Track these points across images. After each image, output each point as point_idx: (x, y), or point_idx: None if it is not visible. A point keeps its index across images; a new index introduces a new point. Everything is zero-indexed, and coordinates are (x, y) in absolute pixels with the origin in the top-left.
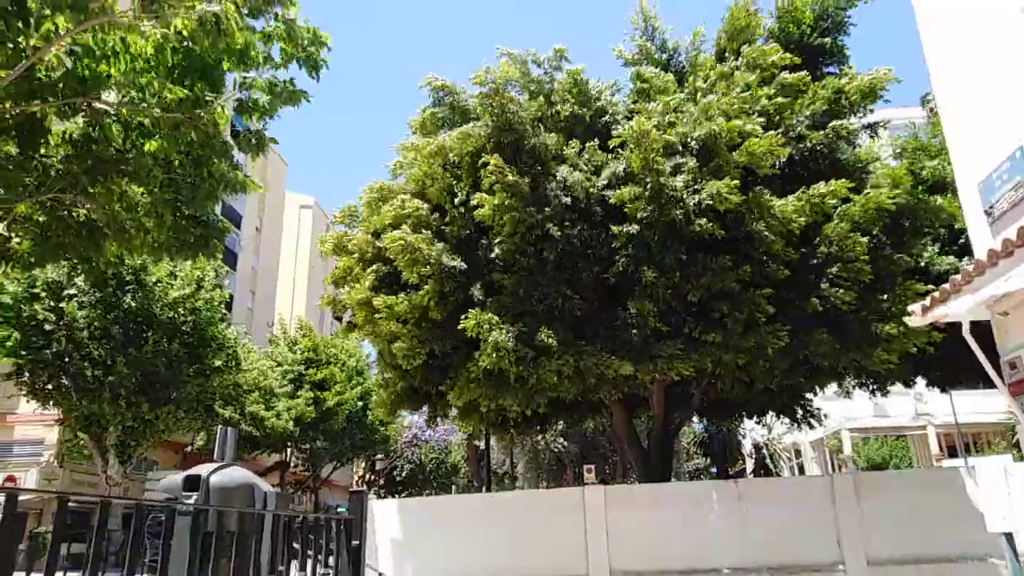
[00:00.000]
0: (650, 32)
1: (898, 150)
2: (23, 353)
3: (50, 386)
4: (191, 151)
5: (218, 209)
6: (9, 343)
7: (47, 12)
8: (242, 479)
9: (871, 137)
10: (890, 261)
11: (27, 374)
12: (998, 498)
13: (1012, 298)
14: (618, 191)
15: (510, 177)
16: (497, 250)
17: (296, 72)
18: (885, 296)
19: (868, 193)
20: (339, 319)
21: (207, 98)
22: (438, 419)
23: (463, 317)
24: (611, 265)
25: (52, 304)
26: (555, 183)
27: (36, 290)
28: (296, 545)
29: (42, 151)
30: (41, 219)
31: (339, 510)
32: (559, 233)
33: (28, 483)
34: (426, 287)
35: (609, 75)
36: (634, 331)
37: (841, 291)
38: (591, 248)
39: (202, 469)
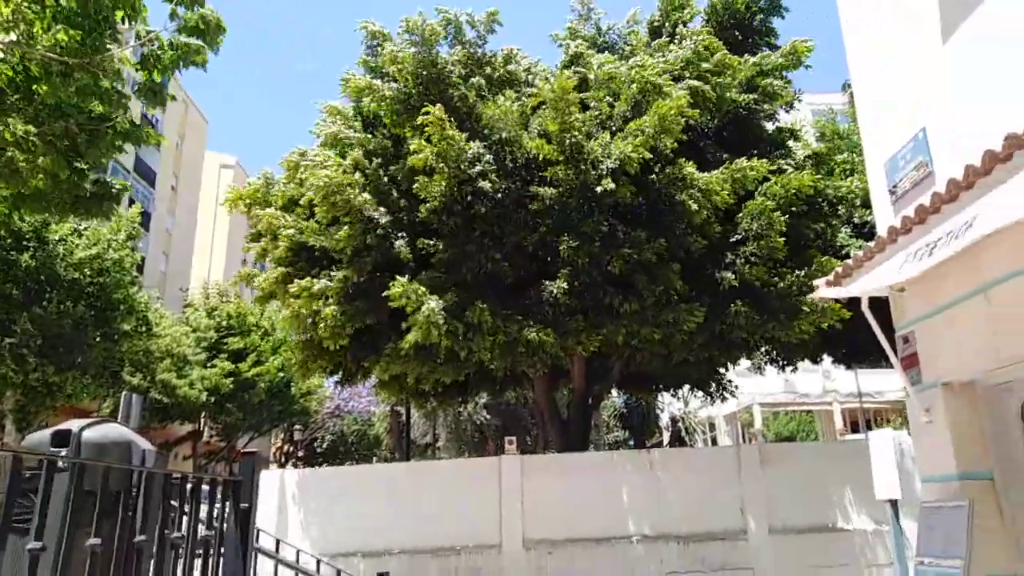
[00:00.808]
0: (586, 13)
1: (818, 133)
2: None
3: None
4: (85, 102)
5: (130, 163)
6: None
7: None
8: (118, 435)
9: (787, 111)
10: (805, 235)
11: None
12: (886, 468)
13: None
14: (536, 141)
15: (449, 131)
16: (423, 210)
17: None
18: (802, 272)
19: (789, 173)
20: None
21: (106, 46)
22: (357, 383)
23: (390, 284)
24: (533, 232)
25: None
26: (482, 137)
27: None
28: (177, 506)
29: None
30: None
31: None
32: (489, 187)
33: None
34: (343, 234)
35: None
36: (547, 307)
37: (754, 268)
38: (518, 211)
39: (73, 424)
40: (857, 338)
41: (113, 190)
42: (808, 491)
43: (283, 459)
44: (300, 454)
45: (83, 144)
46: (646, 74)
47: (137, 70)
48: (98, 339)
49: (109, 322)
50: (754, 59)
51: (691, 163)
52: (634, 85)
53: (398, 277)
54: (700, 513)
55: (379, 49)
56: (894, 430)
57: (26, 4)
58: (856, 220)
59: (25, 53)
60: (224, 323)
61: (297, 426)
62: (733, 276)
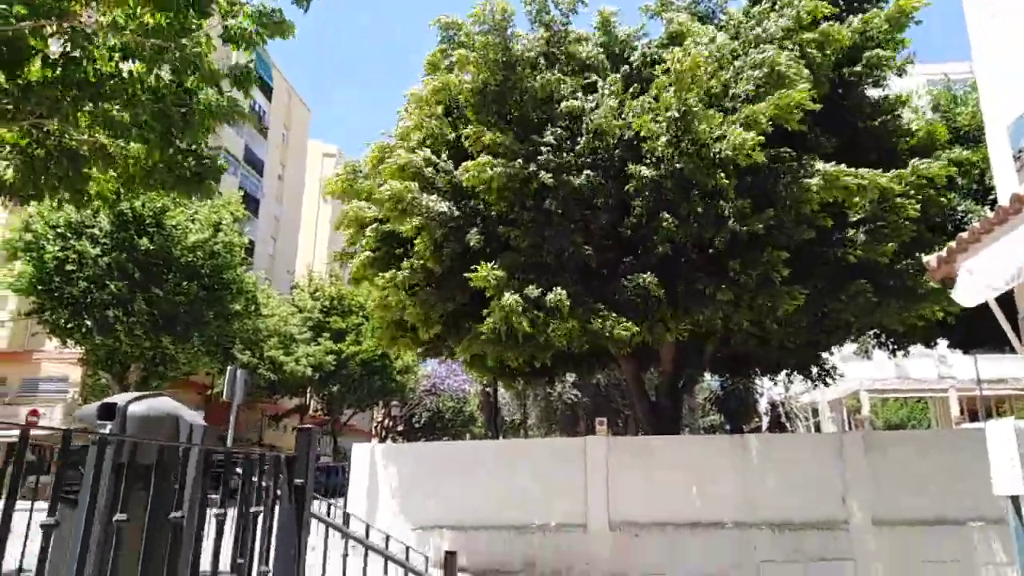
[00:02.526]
0: None
1: (934, 103)
2: (39, 289)
3: (71, 324)
4: (180, 79)
5: (240, 153)
6: (26, 280)
7: None
8: (165, 409)
9: (899, 75)
10: (933, 214)
11: (47, 312)
12: (1006, 460)
13: None
14: (639, 118)
15: (487, 136)
16: (492, 210)
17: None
18: (928, 252)
19: (918, 162)
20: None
21: (192, 25)
22: (442, 357)
23: (471, 268)
24: (625, 213)
25: (72, 243)
26: (554, 127)
27: (60, 228)
28: (231, 484)
29: (24, 74)
30: (24, 145)
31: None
32: (552, 182)
33: (53, 419)
34: (420, 237)
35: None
36: (634, 296)
37: (879, 244)
38: (602, 196)
39: (121, 398)
40: (976, 321)
41: (212, 167)
42: (918, 481)
43: (383, 433)
44: (399, 428)
45: (178, 125)
46: (780, 59)
47: (224, 41)
48: (211, 317)
49: (221, 301)
50: (856, 22)
51: (786, 148)
52: (759, 70)
53: (481, 263)
54: (798, 501)
55: (454, 40)
56: (1016, 420)
57: None
58: (977, 190)
59: (118, 32)
60: (326, 304)
61: (395, 402)
62: (851, 252)
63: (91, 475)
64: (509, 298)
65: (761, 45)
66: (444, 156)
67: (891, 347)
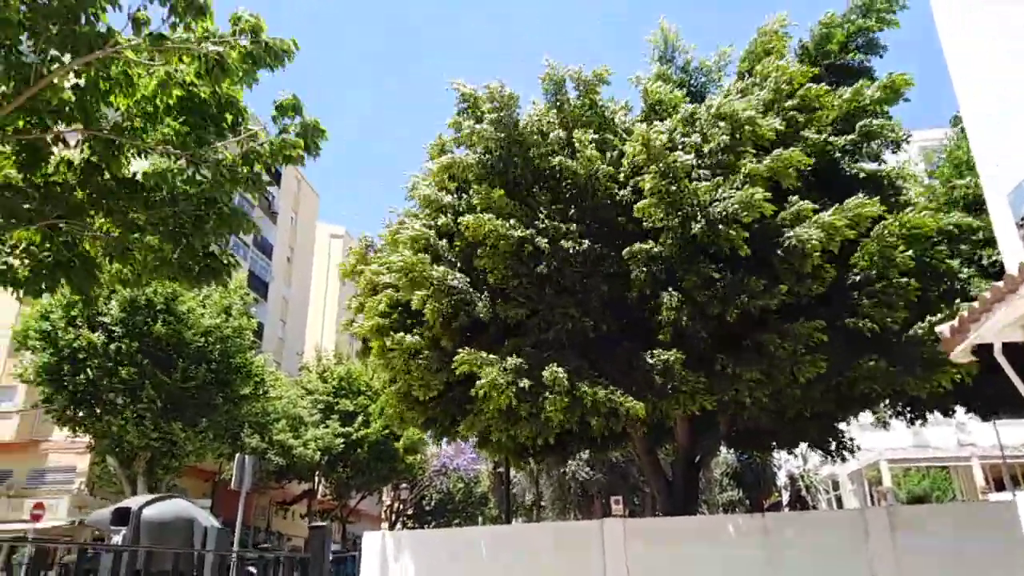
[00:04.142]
0: (670, 53)
1: (931, 167)
2: (46, 378)
3: (81, 412)
4: (197, 187)
5: (249, 238)
6: (34, 369)
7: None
8: (179, 512)
9: (893, 152)
10: (933, 278)
11: (56, 400)
12: None
13: None
14: (638, 204)
15: (494, 193)
16: (490, 278)
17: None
18: (935, 317)
19: (909, 211)
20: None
21: (209, 138)
22: (455, 441)
23: (454, 356)
24: (626, 285)
25: (85, 332)
26: (552, 195)
27: (73, 316)
28: None
29: (42, 177)
30: (37, 245)
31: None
32: (548, 247)
33: (59, 511)
34: (429, 307)
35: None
36: (656, 376)
37: (888, 309)
38: (602, 265)
39: (134, 502)
40: (993, 385)
41: (223, 265)
42: (948, 561)
43: (393, 517)
44: (409, 512)
45: (189, 228)
46: (748, 117)
47: (239, 164)
48: (220, 402)
49: (230, 385)
50: (847, 94)
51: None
52: (722, 122)
53: (461, 350)
54: None
55: (468, 112)
56: None
57: (143, 94)
58: (984, 261)
59: (136, 143)
60: (335, 385)
61: (404, 485)
62: (861, 321)
63: None
64: (492, 372)
65: (718, 101)
66: (452, 226)
67: (908, 416)
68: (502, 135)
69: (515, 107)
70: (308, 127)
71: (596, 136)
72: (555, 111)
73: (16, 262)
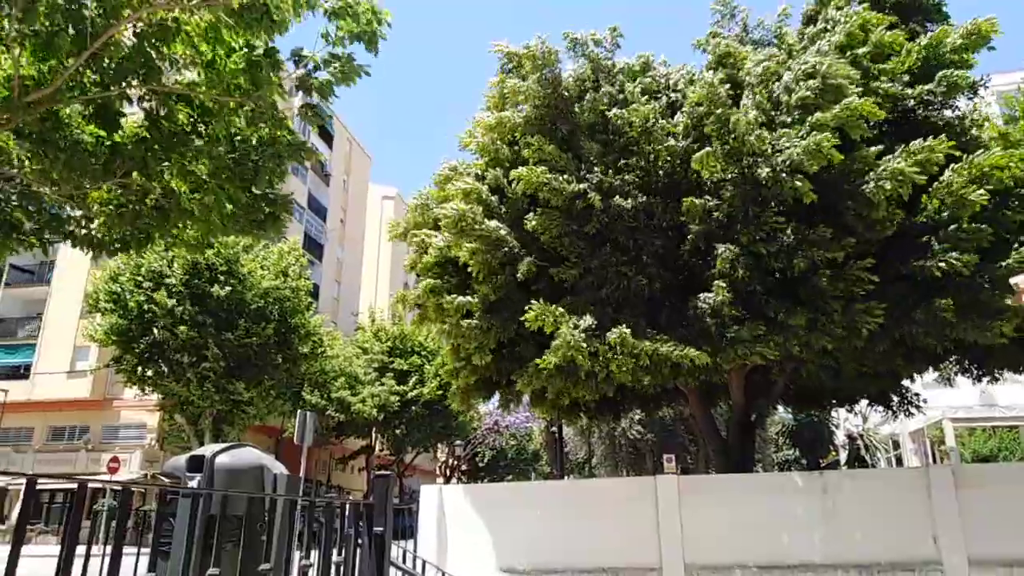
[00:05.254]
0: (729, 12)
1: (1007, 112)
2: (115, 338)
3: (149, 372)
4: (256, 131)
5: (304, 200)
6: (104, 330)
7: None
8: (251, 460)
9: (970, 99)
10: (1006, 224)
11: (125, 360)
12: None
13: None
14: (696, 155)
15: (547, 147)
16: (543, 239)
17: (353, 48)
18: (1006, 263)
19: (982, 152)
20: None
21: (265, 81)
22: (511, 406)
23: (526, 308)
24: (680, 239)
25: (151, 294)
26: (616, 146)
27: (140, 279)
28: (314, 531)
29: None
30: (114, 203)
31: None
32: (601, 203)
33: (132, 464)
34: (475, 260)
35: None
36: (708, 319)
37: (959, 253)
38: (654, 219)
39: (208, 449)
40: None
41: (282, 203)
42: (1016, 522)
43: (448, 473)
44: (463, 468)
45: (250, 173)
46: (832, 68)
47: (297, 89)
48: (280, 360)
49: (289, 344)
50: (926, 40)
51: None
52: (812, 80)
53: (533, 302)
54: (883, 541)
55: (513, 71)
56: None
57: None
58: None
59: (196, 92)
60: (389, 344)
61: (458, 442)
62: (928, 262)
63: (184, 527)
64: (568, 331)
65: (809, 56)
66: (503, 183)
67: (975, 373)
68: (549, 91)
69: (555, 63)
70: (366, 13)
71: (648, 81)
72: (592, 67)
73: (95, 223)
